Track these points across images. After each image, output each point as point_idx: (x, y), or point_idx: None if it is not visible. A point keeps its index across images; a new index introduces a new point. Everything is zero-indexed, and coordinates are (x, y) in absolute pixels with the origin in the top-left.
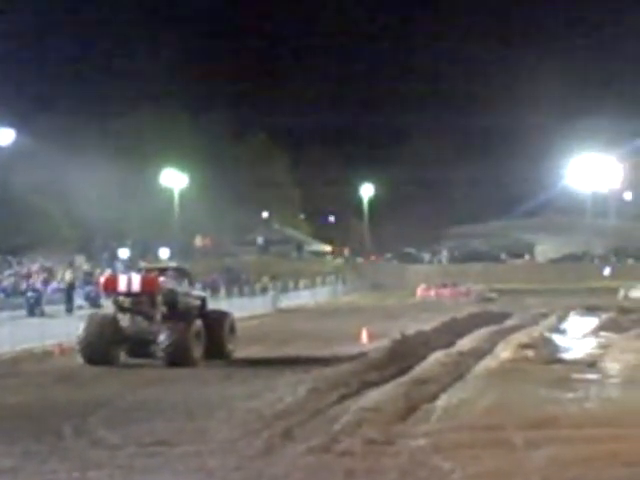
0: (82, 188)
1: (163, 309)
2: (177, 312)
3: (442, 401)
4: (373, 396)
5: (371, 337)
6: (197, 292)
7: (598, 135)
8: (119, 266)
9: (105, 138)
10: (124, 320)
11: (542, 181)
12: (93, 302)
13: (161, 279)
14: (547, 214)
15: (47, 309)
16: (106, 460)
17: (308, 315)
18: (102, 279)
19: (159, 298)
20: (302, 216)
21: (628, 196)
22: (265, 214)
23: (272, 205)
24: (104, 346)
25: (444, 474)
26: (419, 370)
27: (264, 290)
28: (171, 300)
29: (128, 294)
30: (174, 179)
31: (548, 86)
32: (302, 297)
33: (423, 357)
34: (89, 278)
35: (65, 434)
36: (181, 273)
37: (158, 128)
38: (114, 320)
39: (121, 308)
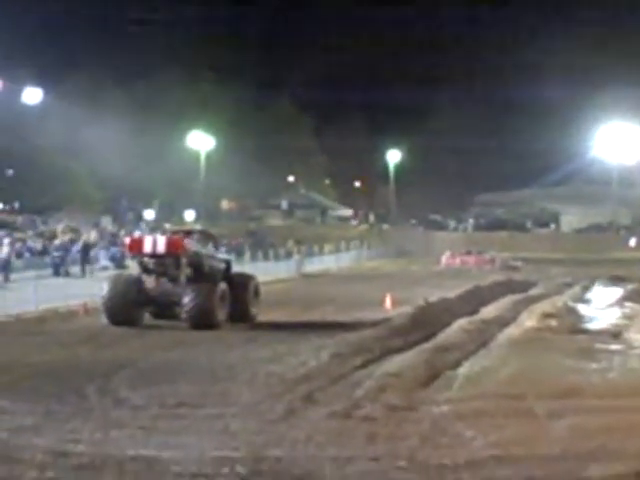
0: (108, 149)
1: (188, 271)
2: (202, 275)
3: (464, 369)
4: (396, 362)
5: (395, 303)
6: (222, 255)
7: (626, 105)
8: (144, 227)
9: (132, 100)
10: (149, 281)
11: (569, 151)
12: (118, 263)
13: (186, 241)
14: (573, 184)
15: (72, 269)
16: (129, 420)
17: (332, 280)
18: (127, 240)
19: (184, 260)
20: (327, 181)
21: None
22: (291, 178)
23: (298, 169)
24: (128, 307)
25: (465, 441)
26: (442, 337)
27: (288, 254)
28: (196, 262)
29: (153, 255)
30: (201, 141)
31: (577, 55)
32: (326, 262)
33: (446, 324)
34: (114, 239)
35: (88, 394)
36: (206, 236)
37: (185, 90)
38: (138, 281)
39: (146, 269)
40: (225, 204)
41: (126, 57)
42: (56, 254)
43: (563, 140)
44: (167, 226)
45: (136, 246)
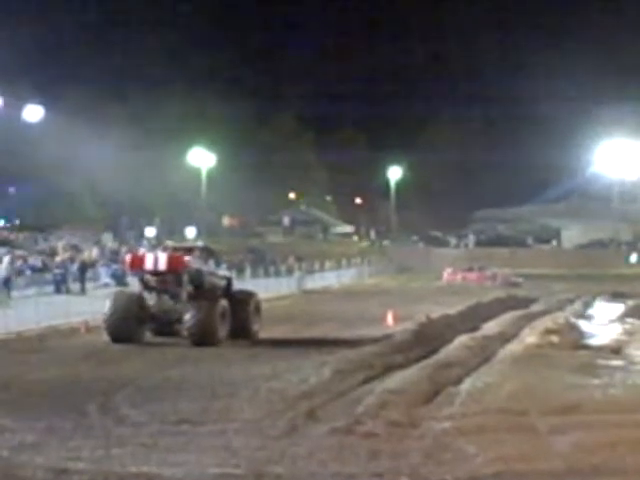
0: (110, 166)
1: (189, 288)
2: (203, 291)
3: (466, 385)
4: (397, 378)
5: (396, 319)
6: (223, 272)
7: (627, 120)
8: (145, 244)
9: (133, 117)
10: (150, 299)
11: (570, 167)
12: (119, 280)
13: (187, 258)
14: (574, 200)
15: (73, 287)
16: (130, 438)
17: (333, 297)
18: (128, 257)
19: (185, 277)
20: (329, 197)
21: None
22: (292, 195)
23: (299, 186)
24: (130, 324)
25: (467, 457)
26: (444, 353)
27: (290, 271)
28: (197, 279)
29: (155, 273)
30: (202, 158)
31: (578, 71)
32: (327, 279)
33: (448, 340)
34: (115, 256)
35: (89, 411)
36: (207, 253)
37: (185, 105)
38: (140, 298)
39: (147, 287)
40: (226, 220)
41: (126, 73)
42: (57, 271)
43: (564, 156)
44: (169, 243)
45: (137, 263)
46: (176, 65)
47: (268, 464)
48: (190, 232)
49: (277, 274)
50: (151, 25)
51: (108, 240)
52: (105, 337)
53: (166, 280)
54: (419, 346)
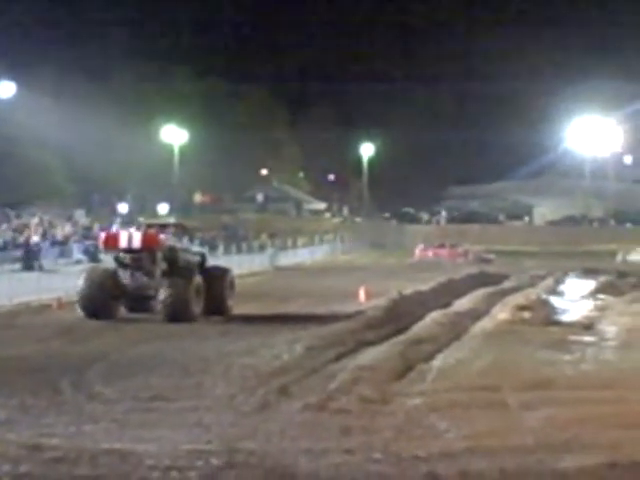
0: (82, 142)
1: (163, 265)
2: (177, 268)
3: (438, 361)
4: (369, 355)
5: (368, 296)
6: (197, 248)
7: (598, 98)
8: (118, 221)
9: (106, 93)
10: (124, 275)
11: (542, 144)
12: (92, 257)
13: (162, 236)
14: (547, 177)
15: (45, 263)
16: (102, 414)
17: (306, 273)
18: (102, 236)
19: (159, 255)
20: (301, 174)
21: (628, 159)
22: (264, 171)
23: (271, 162)
24: (104, 300)
25: (439, 433)
26: (416, 330)
27: (262, 248)
28: (171, 256)
29: (129, 250)
30: (174, 135)
31: (549, 48)
32: (300, 255)
33: (420, 317)
34: (88, 233)
35: (62, 388)
36: (181, 229)
37: (159, 83)
38: (114, 274)
39: (122, 264)
40: (198, 197)
41: (99, 50)
42: (30, 248)
43: (536, 133)
44: (141, 219)
45: (112, 241)
46: (148, 43)
47: (241, 440)
48: (162, 209)
49: (250, 251)
50: (122, 5)
51: (81, 217)
52: (78, 313)
53: (140, 258)
54: (391, 322)
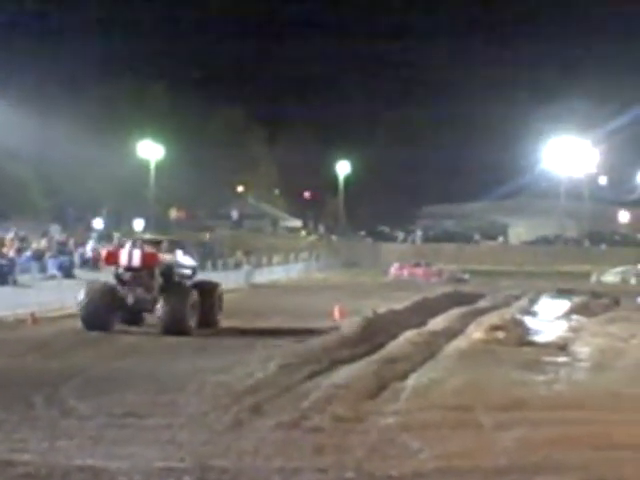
0: (57, 157)
1: (160, 280)
2: (173, 283)
3: (412, 380)
4: (343, 373)
5: (343, 314)
6: (189, 262)
7: (574, 118)
8: (94, 236)
9: (82, 107)
10: (123, 290)
11: (518, 164)
12: (66, 272)
13: (160, 255)
14: (522, 197)
15: (20, 278)
16: (76, 430)
17: (281, 291)
18: (104, 252)
19: (157, 271)
20: (277, 191)
21: (603, 180)
22: (240, 188)
23: (247, 179)
24: (103, 313)
25: (412, 453)
26: (390, 348)
27: (238, 265)
28: (167, 273)
29: (129, 268)
30: (150, 150)
31: (524, 68)
32: (275, 273)
33: (394, 336)
34: (63, 248)
35: (36, 403)
36: (175, 245)
37: (135, 99)
38: (113, 289)
39: (121, 281)
40: (173, 213)
41: (75, 64)
42: (4, 262)
43: (511, 154)
44: (116, 235)
45: (112, 258)
46: (126, 58)
47: (213, 458)
48: (138, 224)
49: (225, 268)
50: (101, 20)
51: (56, 232)
52: (79, 325)
53: (140, 275)
54: (365, 341)
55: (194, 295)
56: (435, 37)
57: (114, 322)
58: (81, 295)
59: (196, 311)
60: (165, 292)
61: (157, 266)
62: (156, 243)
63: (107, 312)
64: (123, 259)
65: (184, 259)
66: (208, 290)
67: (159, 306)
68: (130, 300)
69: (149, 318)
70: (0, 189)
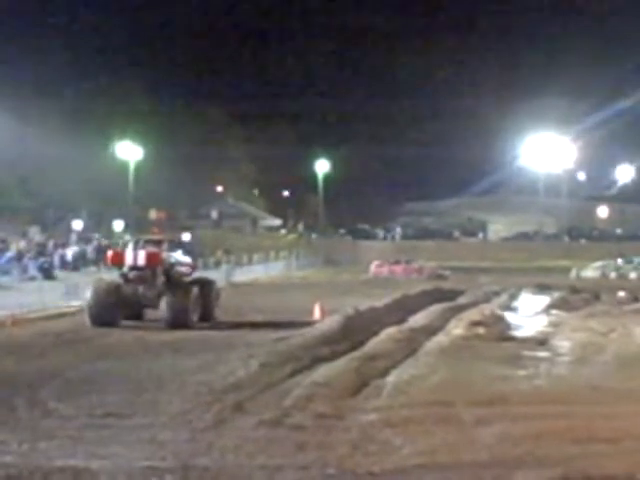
0: (36, 158)
1: (162, 278)
2: (174, 280)
3: (393, 377)
4: (324, 371)
5: (324, 312)
6: (187, 260)
7: (552, 115)
8: (74, 237)
9: (61, 109)
10: (127, 288)
11: (496, 160)
12: (46, 273)
13: (163, 254)
14: (500, 193)
15: (0, 279)
16: (57, 431)
17: (261, 290)
18: (109, 253)
19: (159, 270)
20: (256, 191)
21: (581, 176)
22: (220, 188)
23: (227, 179)
24: (109, 310)
25: (394, 449)
26: (371, 346)
27: (217, 264)
28: (168, 271)
29: (133, 268)
30: (129, 151)
31: (502, 65)
32: (255, 272)
33: (375, 333)
34: (42, 249)
35: (16, 405)
36: (174, 244)
37: (114, 99)
38: (118, 287)
39: (126, 279)
40: (153, 214)
41: (54, 66)
42: None
43: (490, 150)
44: (96, 235)
45: (117, 259)
46: (104, 59)
47: (195, 457)
48: (118, 225)
49: (205, 267)
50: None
51: (35, 233)
52: (87, 321)
53: (145, 274)
54: (346, 338)
55: (195, 291)
56: (413, 35)
57: (119, 318)
58: (88, 293)
59: (198, 306)
60: (168, 289)
61: (160, 265)
62: (157, 243)
63: (113, 309)
64: (128, 259)
65: (183, 258)
66: (206, 286)
67: (163, 302)
68: (134, 297)
69: (150, 314)
70: None
